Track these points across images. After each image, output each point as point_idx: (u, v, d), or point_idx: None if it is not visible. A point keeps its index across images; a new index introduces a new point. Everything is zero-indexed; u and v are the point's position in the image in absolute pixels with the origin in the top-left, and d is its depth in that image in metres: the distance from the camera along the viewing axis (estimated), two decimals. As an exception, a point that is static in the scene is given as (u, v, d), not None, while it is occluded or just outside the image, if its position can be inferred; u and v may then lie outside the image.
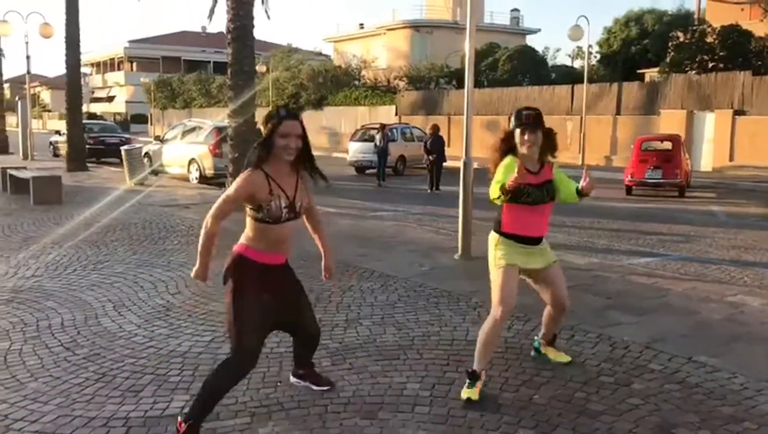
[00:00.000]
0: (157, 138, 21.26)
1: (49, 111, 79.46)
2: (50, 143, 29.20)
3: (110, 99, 74.37)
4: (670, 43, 27.37)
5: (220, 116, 20.43)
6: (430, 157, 17.27)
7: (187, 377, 4.28)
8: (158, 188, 15.76)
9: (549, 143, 4.16)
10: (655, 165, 16.39)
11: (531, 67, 34.66)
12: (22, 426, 3.64)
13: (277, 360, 4.52)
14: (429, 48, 42.97)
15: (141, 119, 62.80)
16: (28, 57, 26.57)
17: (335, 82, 39.93)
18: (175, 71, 61.67)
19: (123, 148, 17.94)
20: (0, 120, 29.66)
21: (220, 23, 18.85)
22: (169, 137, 19.44)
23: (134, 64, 72.38)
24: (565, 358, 4.56)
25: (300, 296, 3.86)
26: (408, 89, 37.14)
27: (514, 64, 34.17)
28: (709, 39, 25.57)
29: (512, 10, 51.18)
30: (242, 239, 3.59)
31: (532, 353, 4.67)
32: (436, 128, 17.95)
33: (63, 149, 22.93)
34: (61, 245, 8.54)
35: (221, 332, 5.12)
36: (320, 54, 55.34)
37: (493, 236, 4.23)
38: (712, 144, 23.41)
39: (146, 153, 19.13)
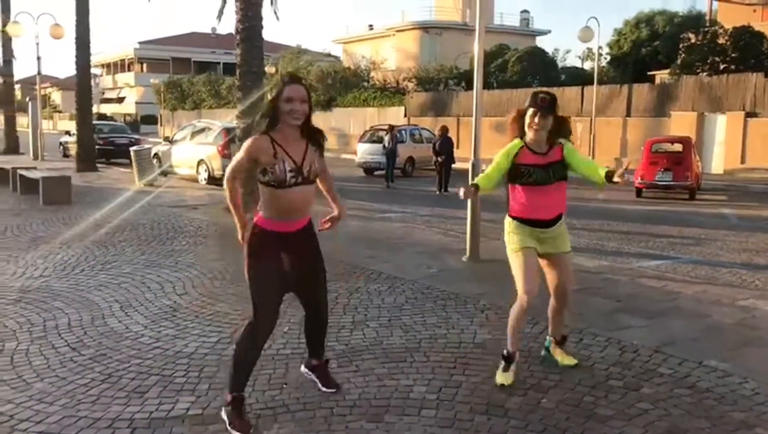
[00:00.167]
0: (166, 139, 21.33)
1: (60, 112, 79.89)
2: (60, 143, 29.37)
3: (120, 100, 74.73)
4: (681, 45, 27.20)
5: (229, 117, 20.45)
6: (439, 158, 17.24)
7: (193, 378, 4.27)
8: (167, 188, 15.81)
9: (561, 129, 4.14)
10: (665, 167, 16.29)
11: (541, 68, 34.56)
12: (27, 427, 3.63)
13: (283, 362, 4.49)
14: (438, 49, 42.95)
15: (151, 119, 63.04)
16: (38, 58, 26.70)
17: (344, 84, 39.96)
18: (184, 72, 61.89)
19: (132, 149, 18.01)
20: (11, 120, 29.84)
21: (229, 24, 18.88)
22: (178, 137, 19.49)
23: (144, 65, 72.69)
24: (572, 361, 4.51)
25: (318, 273, 3.87)
26: (417, 91, 37.10)
27: (523, 65, 34.08)
28: (720, 40, 25.40)
29: (522, 12, 51.21)
30: (257, 208, 3.69)
31: (543, 352, 4.63)
32: (445, 130, 17.92)
33: (73, 150, 23.05)
34: (69, 245, 8.56)
35: (228, 333, 5.11)
36: (329, 55, 55.46)
37: (507, 221, 4.31)
38: (723, 146, 23.25)
39: (155, 154, 19.19)
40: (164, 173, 18.33)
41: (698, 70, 25.27)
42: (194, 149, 17.77)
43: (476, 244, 8.02)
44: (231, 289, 6.43)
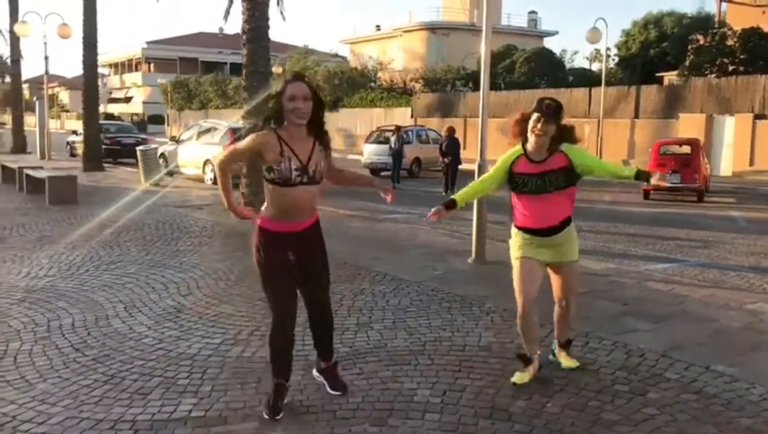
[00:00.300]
0: (172, 139, 21.36)
1: (67, 111, 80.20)
2: (67, 142, 29.47)
3: (128, 100, 74.94)
4: (689, 46, 27.11)
5: (236, 117, 20.48)
6: (445, 159, 17.20)
7: (196, 380, 4.25)
8: (173, 188, 15.82)
9: (563, 137, 4.11)
10: (673, 169, 16.20)
11: (548, 69, 34.49)
12: (30, 428, 3.62)
13: (287, 364, 4.47)
14: (445, 50, 42.93)
15: (158, 119, 63.18)
16: (46, 57, 26.82)
17: (351, 84, 39.99)
18: (192, 72, 62.02)
19: (138, 148, 18.03)
20: (19, 120, 29.98)
21: (237, 24, 18.90)
22: (184, 137, 19.51)
23: (152, 65, 72.88)
24: (574, 363, 4.48)
25: (321, 274, 3.87)
26: (424, 91, 37.08)
27: (531, 66, 34.02)
28: (729, 42, 25.29)
29: (530, 12, 51.10)
30: (262, 209, 3.71)
31: (550, 356, 4.60)
32: (451, 130, 17.87)
33: (80, 149, 23.11)
34: (74, 245, 8.57)
35: (232, 334, 5.10)
36: (336, 55, 55.49)
37: (512, 230, 4.34)
38: (731, 148, 23.13)
39: (162, 154, 19.21)
40: (170, 173, 18.35)
41: (707, 72, 25.16)
42: (200, 149, 17.78)
43: (482, 246, 7.98)
44: (235, 290, 6.42)
